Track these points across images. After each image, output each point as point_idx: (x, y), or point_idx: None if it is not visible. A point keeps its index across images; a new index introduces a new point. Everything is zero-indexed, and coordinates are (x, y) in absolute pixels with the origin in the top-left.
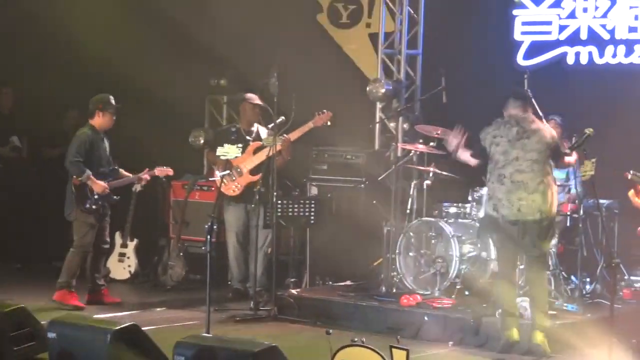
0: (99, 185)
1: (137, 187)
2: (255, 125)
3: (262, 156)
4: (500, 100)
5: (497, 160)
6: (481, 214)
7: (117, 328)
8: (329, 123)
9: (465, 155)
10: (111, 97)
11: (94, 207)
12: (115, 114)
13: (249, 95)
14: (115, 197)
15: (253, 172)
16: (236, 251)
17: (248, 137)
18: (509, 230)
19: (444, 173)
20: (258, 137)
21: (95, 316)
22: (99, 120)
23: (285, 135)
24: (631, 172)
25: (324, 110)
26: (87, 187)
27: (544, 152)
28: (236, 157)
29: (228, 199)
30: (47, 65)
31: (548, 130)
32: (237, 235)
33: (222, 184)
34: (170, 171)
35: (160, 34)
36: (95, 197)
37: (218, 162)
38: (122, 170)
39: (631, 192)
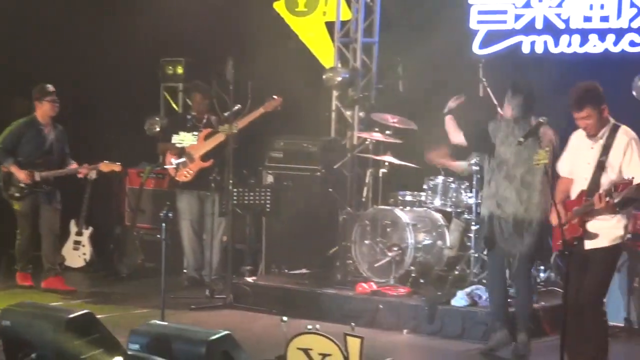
0: (22, 174)
1: (92, 175)
2: (206, 115)
3: (212, 143)
4: (451, 89)
5: (508, 160)
6: (437, 202)
7: (71, 316)
8: (279, 108)
9: (459, 138)
10: (47, 86)
11: (17, 194)
12: (55, 101)
13: (198, 84)
14: (45, 186)
15: (204, 158)
16: (191, 239)
17: (198, 125)
18: (513, 227)
19: (400, 162)
20: (209, 125)
21: (50, 304)
22: (40, 111)
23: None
24: None
25: (274, 96)
26: (12, 175)
27: (550, 145)
28: (191, 144)
29: (181, 186)
30: None
31: (550, 133)
32: (191, 223)
33: (176, 171)
34: (117, 167)
35: (115, 21)
36: (22, 185)
37: (172, 150)
38: (72, 162)
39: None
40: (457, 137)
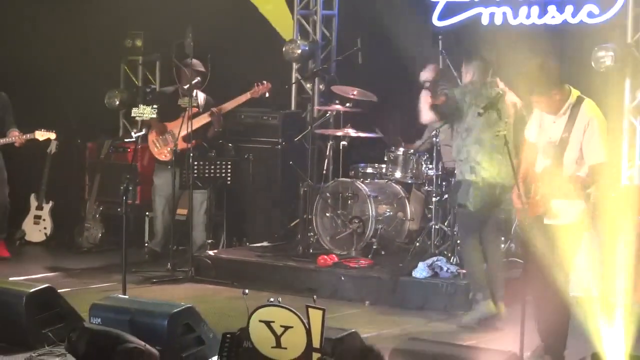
0: None
1: (52, 149)
2: (195, 91)
3: (197, 123)
4: (411, 61)
5: (475, 124)
6: (398, 175)
7: (32, 290)
8: (267, 94)
9: (429, 117)
10: None
11: None
12: None
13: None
14: None
15: (186, 138)
16: (165, 216)
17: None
18: (487, 192)
19: (360, 134)
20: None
21: (11, 279)
22: None
23: (214, 108)
24: None
25: (264, 82)
26: None
27: (512, 116)
28: (151, 117)
29: (159, 163)
30: None
31: (510, 104)
32: (167, 200)
33: (155, 147)
34: (52, 134)
35: None
36: None
37: (154, 126)
38: (13, 131)
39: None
40: (427, 115)
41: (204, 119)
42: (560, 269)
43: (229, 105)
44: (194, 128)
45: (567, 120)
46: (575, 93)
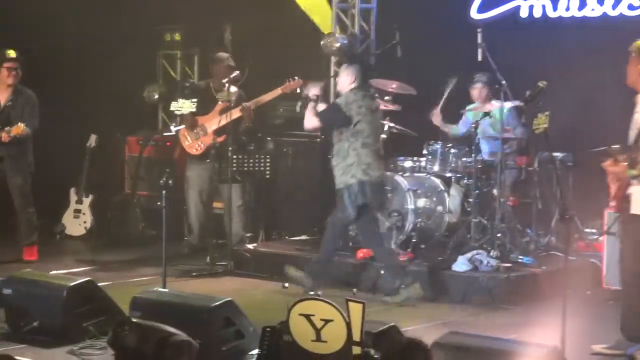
0: None
1: (92, 143)
2: (226, 86)
3: (228, 118)
4: (454, 55)
5: (363, 130)
6: (437, 168)
7: (72, 284)
8: (298, 90)
9: (313, 123)
10: (8, 51)
11: None
12: (11, 68)
13: (220, 54)
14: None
15: (218, 132)
16: (198, 209)
17: (216, 96)
18: (377, 190)
19: (399, 127)
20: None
21: (51, 272)
22: None
23: (245, 103)
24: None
25: (295, 77)
26: None
27: None
28: (191, 112)
29: (191, 157)
30: None
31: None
32: (199, 193)
33: (186, 141)
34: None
35: None
36: None
37: (186, 120)
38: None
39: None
40: (310, 123)
41: (235, 113)
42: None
43: (260, 100)
44: (225, 123)
45: None
46: None
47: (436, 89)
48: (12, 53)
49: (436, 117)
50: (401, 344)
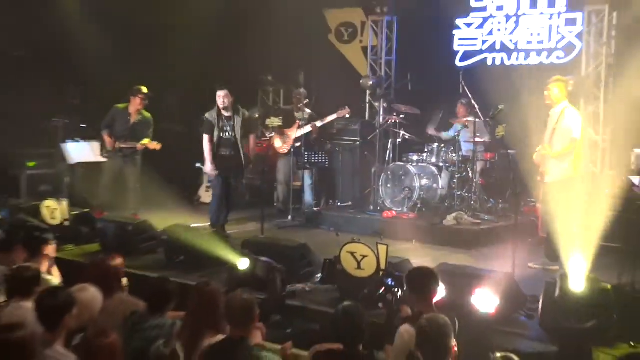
0: (108, 142)
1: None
2: (302, 111)
3: (302, 131)
4: (444, 88)
5: (229, 138)
6: (433, 160)
7: (213, 231)
8: (347, 115)
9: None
10: (142, 87)
11: (105, 155)
12: (143, 99)
13: (297, 90)
14: (126, 152)
15: (296, 140)
16: (283, 187)
17: (296, 117)
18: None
19: (409, 135)
20: (307, 118)
21: (192, 225)
22: (132, 102)
23: (313, 122)
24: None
25: (345, 107)
26: (104, 142)
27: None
28: (279, 125)
29: (280, 154)
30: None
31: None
32: (285, 176)
33: (277, 144)
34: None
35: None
36: (108, 149)
37: (276, 131)
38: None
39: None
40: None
41: (307, 128)
42: None
43: (322, 120)
44: (299, 135)
45: None
46: None
47: (431, 111)
48: (145, 89)
49: (430, 130)
50: (418, 269)
